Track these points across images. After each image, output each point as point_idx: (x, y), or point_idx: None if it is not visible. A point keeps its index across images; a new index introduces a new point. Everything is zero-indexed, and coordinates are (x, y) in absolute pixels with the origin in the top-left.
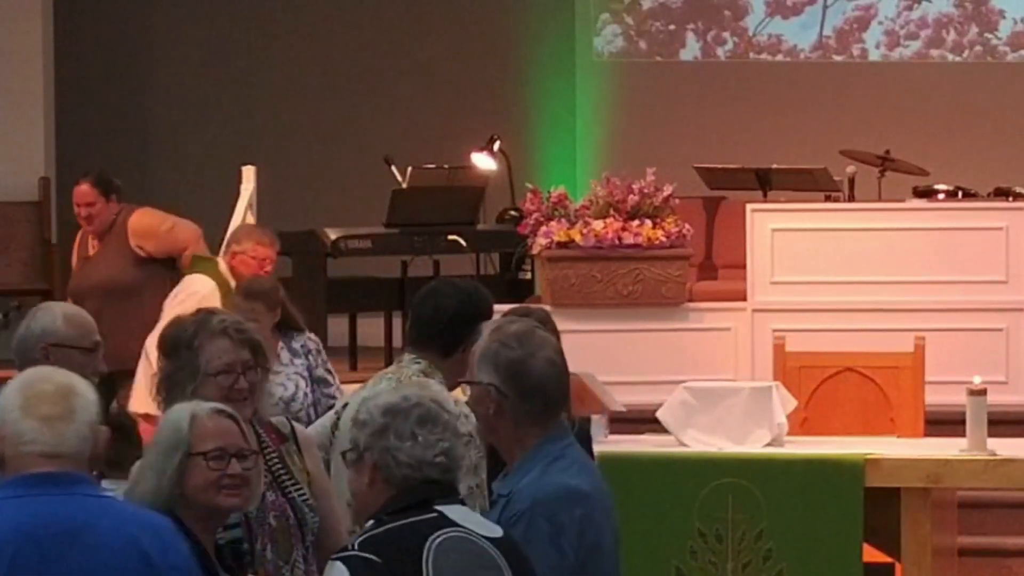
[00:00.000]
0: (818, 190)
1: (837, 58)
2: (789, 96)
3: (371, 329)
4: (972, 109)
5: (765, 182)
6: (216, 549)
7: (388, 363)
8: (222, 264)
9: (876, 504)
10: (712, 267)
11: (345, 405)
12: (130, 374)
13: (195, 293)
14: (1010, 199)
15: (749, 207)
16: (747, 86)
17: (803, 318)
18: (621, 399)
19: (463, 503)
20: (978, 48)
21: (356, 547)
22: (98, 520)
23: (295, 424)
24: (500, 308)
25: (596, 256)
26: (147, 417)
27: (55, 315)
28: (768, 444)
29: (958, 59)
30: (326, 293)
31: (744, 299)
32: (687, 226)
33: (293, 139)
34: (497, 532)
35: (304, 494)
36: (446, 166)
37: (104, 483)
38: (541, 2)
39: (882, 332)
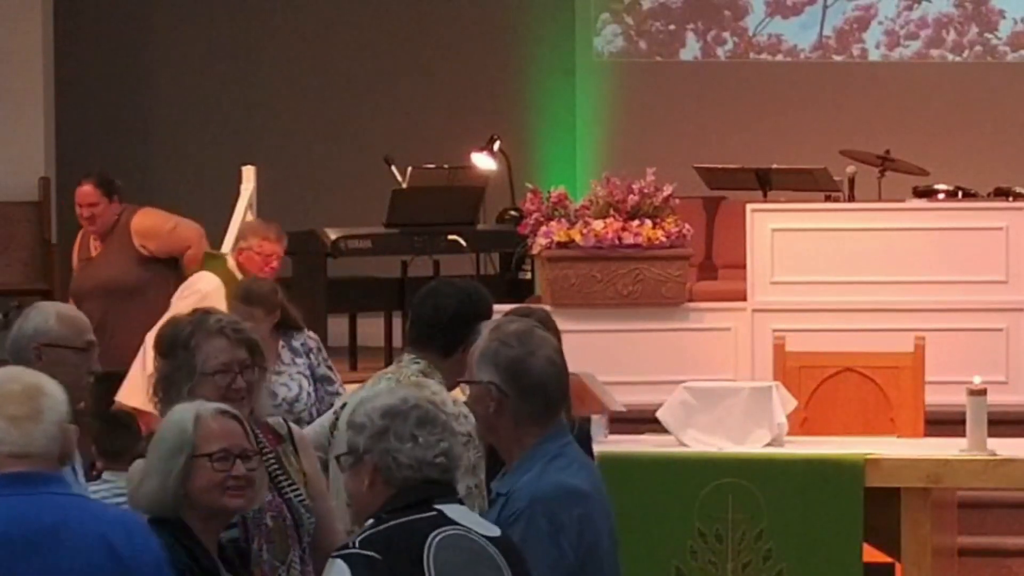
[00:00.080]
0: (818, 190)
1: (837, 58)
2: (789, 96)
3: (371, 329)
4: (972, 109)
5: (765, 182)
6: (219, 549)
7: (388, 363)
8: (230, 260)
9: (876, 504)
10: (712, 267)
11: (344, 405)
12: None
13: (197, 291)
14: (1010, 199)
15: (749, 207)
16: (747, 86)
17: (803, 318)
18: (621, 399)
19: (461, 503)
20: (978, 48)
21: (357, 545)
22: (68, 519)
23: (291, 425)
24: (500, 308)
25: (596, 256)
26: (136, 411)
27: (48, 314)
28: (768, 444)
29: (958, 59)
30: (326, 293)
31: (744, 299)
32: (687, 226)
33: (293, 139)
34: (495, 531)
35: (300, 495)
36: (446, 166)
37: (105, 475)
38: (541, 2)
39: (882, 332)
